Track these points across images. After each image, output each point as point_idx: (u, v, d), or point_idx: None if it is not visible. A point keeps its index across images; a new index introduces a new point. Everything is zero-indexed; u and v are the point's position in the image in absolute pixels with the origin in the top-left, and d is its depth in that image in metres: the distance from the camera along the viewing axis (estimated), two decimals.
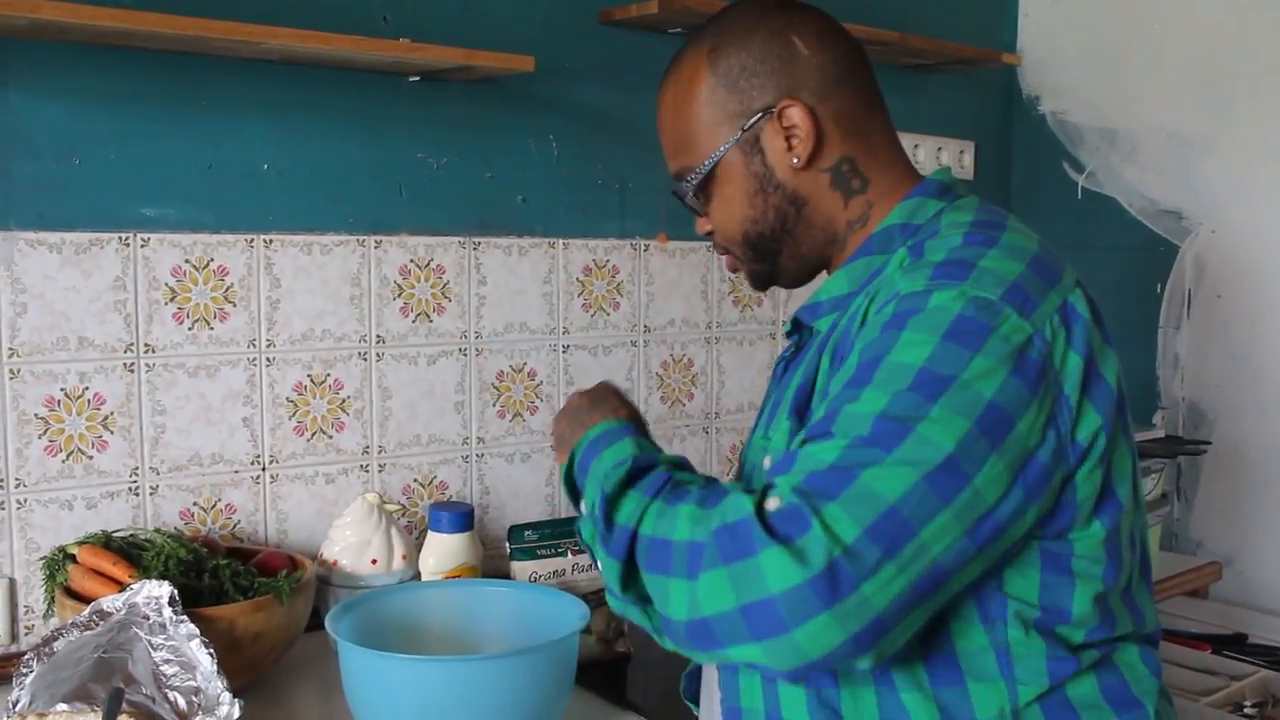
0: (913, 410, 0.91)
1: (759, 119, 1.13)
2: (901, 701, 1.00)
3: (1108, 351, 1.03)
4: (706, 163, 1.15)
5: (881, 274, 1.08)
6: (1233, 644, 2.23)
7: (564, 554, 1.72)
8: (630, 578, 1.00)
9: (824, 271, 1.22)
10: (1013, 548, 0.98)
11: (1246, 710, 1.95)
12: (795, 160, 1.13)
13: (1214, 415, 2.55)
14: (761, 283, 1.24)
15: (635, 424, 1.13)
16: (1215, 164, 2.53)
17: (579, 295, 2.16)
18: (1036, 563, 1.00)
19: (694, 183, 1.17)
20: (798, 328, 1.19)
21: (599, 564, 1.04)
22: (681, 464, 1.07)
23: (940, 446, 0.90)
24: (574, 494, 1.12)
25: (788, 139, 1.13)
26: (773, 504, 0.90)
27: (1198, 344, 2.57)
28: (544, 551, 1.71)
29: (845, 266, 1.14)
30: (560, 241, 2.13)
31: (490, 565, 2.02)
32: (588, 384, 2.14)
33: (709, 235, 1.23)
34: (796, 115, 1.11)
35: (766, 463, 1.08)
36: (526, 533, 1.73)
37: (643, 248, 2.24)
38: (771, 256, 1.19)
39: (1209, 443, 2.51)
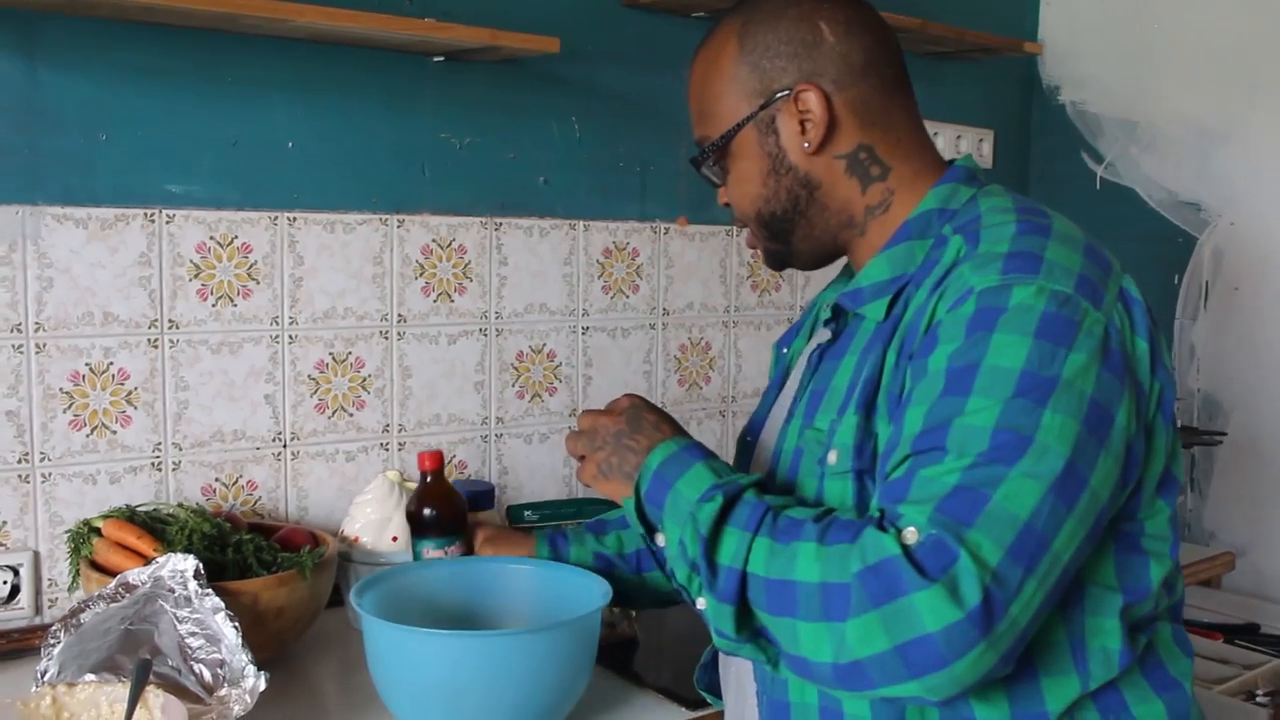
0: (1026, 419, 0.92)
1: (777, 100, 1.13)
2: (969, 696, 0.99)
3: (1160, 335, 1.05)
4: (722, 136, 1.16)
5: (938, 263, 1.07)
6: (1245, 633, 2.23)
7: None
8: (745, 620, 0.98)
9: (843, 256, 1.22)
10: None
11: (1259, 699, 1.96)
12: (807, 145, 1.13)
13: (1230, 406, 2.55)
14: (777, 262, 1.24)
15: (690, 441, 1.12)
16: (1234, 156, 2.52)
17: (599, 277, 2.17)
18: (1111, 547, 1.02)
19: (709, 154, 1.18)
20: (837, 314, 1.17)
21: (698, 605, 1.02)
22: (762, 484, 1.06)
23: (1060, 454, 0.91)
24: (647, 527, 1.10)
25: (801, 123, 1.13)
26: (911, 536, 0.90)
27: (1214, 336, 2.57)
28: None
29: (885, 251, 1.13)
30: (581, 223, 2.13)
31: None
32: (606, 366, 2.18)
33: (728, 207, 1.24)
34: (811, 101, 1.12)
35: (832, 458, 1.07)
36: (526, 513, 1.74)
37: (663, 230, 2.25)
38: (784, 236, 1.19)
39: (1224, 434, 2.52)
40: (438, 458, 1.63)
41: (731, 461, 1.29)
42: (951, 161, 1.18)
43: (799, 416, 1.15)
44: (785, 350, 1.35)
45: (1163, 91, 2.63)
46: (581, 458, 1.20)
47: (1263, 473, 2.50)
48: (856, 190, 1.15)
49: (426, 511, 1.62)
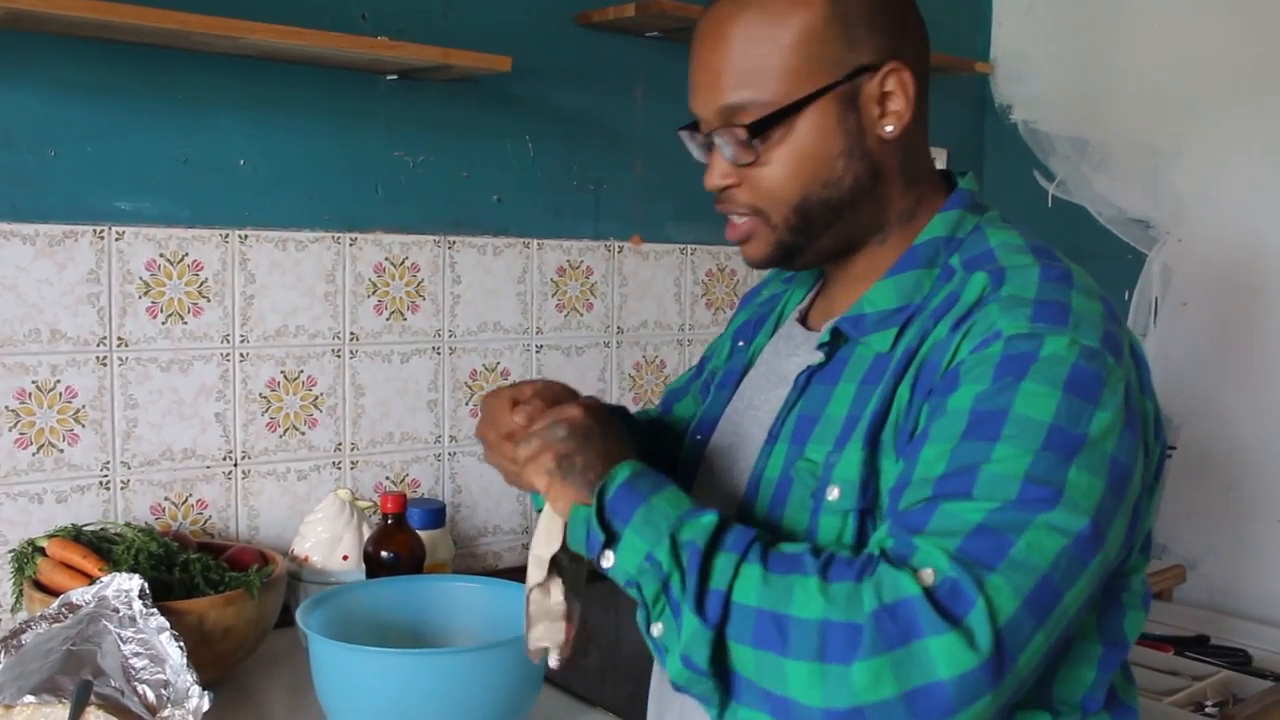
0: (1055, 473, 0.89)
1: (862, 74, 1.02)
2: None
3: (1153, 389, 1.04)
4: (794, 103, 1.01)
5: (958, 300, 1.01)
6: (1195, 645, 2.26)
7: None
8: (719, 650, 0.89)
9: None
10: None
11: (1208, 710, 1.98)
12: (889, 129, 1.03)
13: (1180, 421, 2.58)
14: (779, 256, 1.09)
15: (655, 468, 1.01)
16: (1183, 173, 2.56)
17: (553, 295, 2.17)
18: (1098, 601, 1.01)
19: (767, 125, 1.02)
20: (835, 339, 1.08)
21: (653, 631, 0.92)
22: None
23: (1086, 512, 0.88)
24: (598, 540, 0.97)
25: (881, 105, 1.03)
26: (928, 577, 0.85)
27: (1164, 351, 2.60)
28: None
29: (892, 278, 1.06)
30: (535, 242, 2.14)
31: (461, 563, 2.03)
32: None
33: (724, 189, 1.07)
34: (902, 81, 1.03)
35: (834, 493, 1.00)
36: None
37: (617, 249, 2.25)
38: (818, 229, 1.06)
39: (1174, 448, 2.55)
40: (400, 501, 1.63)
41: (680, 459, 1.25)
42: (953, 180, 1.13)
43: (784, 441, 1.07)
44: (743, 344, 1.26)
45: (1112, 111, 2.67)
46: (509, 436, 1.07)
47: (1213, 486, 2.53)
48: (899, 190, 1.08)
49: (384, 554, 1.62)
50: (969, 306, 0.99)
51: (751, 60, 1.02)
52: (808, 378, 1.09)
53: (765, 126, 1.02)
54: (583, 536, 0.98)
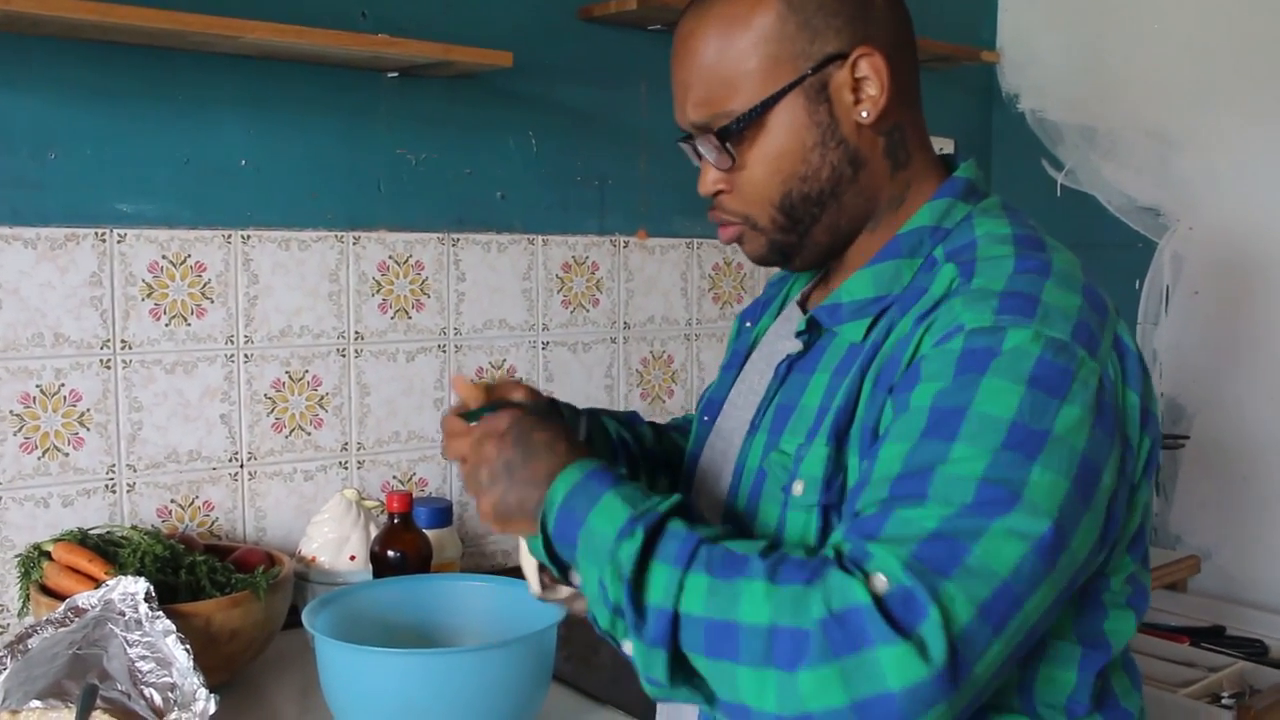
0: (1014, 473, 0.86)
1: (830, 64, 1.02)
2: None
3: (1150, 386, 1.00)
4: (762, 103, 1.02)
5: (926, 292, 1.00)
6: (1211, 636, 2.24)
7: None
8: (678, 664, 0.88)
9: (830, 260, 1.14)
10: None
11: (1224, 701, 1.96)
12: (864, 115, 1.02)
13: (1193, 410, 2.56)
14: (777, 257, 1.10)
15: (593, 462, 0.99)
16: (1193, 161, 2.54)
17: (558, 292, 2.16)
18: (1075, 600, 0.98)
19: (735, 130, 1.03)
20: (812, 328, 1.08)
21: (624, 649, 0.92)
22: (686, 505, 0.95)
23: (1048, 514, 0.85)
24: (559, 566, 0.99)
25: (855, 91, 1.02)
26: (880, 584, 0.82)
27: (1176, 340, 2.58)
28: None
29: (871, 267, 1.05)
30: (539, 238, 2.13)
31: (470, 561, 2.03)
32: (567, 381, 2.17)
33: (715, 195, 1.09)
34: (874, 66, 1.01)
35: (798, 488, 1.00)
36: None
37: (622, 244, 2.24)
38: (806, 225, 1.06)
39: (1187, 437, 2.53)
40: (406, 500, 1.63)
41: (690, 440, 1.25)
42: (951, 165, 1.11)
43: (763, 432, 1.08)
44: (749, 325, 1.26)
45: (1121, 98, 2.65)
46: (463, 459, 1.06)
47: (1227, 475, 2.51)
48: (886, 175, 1.06)
49: (390, 554, 1.61)
50: (935, 300, 0.97)
51: (719, 70, 1.03)
52: (788, 367, 1.09)
53: (735, 129, 1.03)
54: (547, 563, 0.99)
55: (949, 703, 0.81)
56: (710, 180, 1.08)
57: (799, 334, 1.09)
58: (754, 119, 1.02)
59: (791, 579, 0.85)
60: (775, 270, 1.32)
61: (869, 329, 1.02)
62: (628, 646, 0.91)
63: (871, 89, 1.02)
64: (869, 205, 1.07)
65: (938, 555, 0.83)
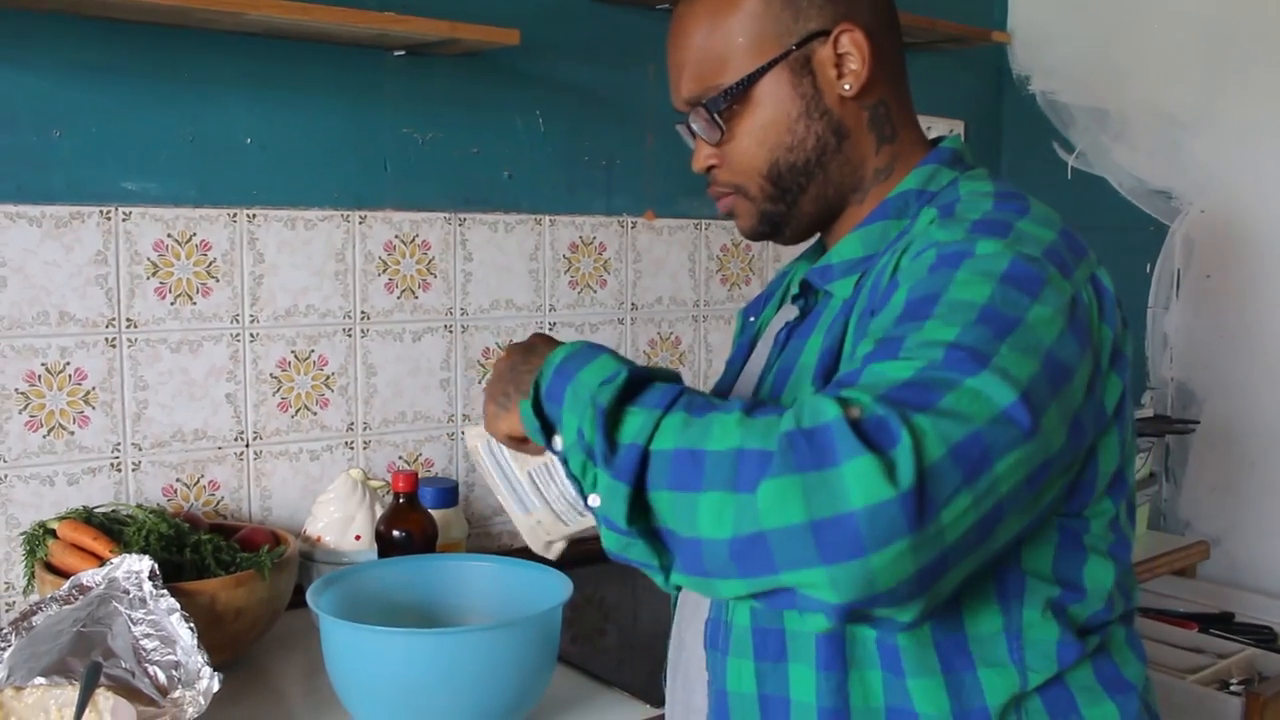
0: (984, 345, 0.85)
1: (813, 40, 1.07)
2: (908, 687, 0.98)
3: (1127, 334, 1.02)
4: (748, 77, 1.07)
5: (908, 233, 1.04)
6: (1220, 623, 2.23)
7: None
8: (639, 509, 0.87)
9: (819, 233, 1.18)
10: (1033, 523, 0.96)
11: (1233, 688, 1.96)
12: (847, 87, 1.07)
13: (1203, 395, 2.54)
14: (769, 227, 1.14)
15: (598, 344, 1.01)
16: (1205, 144, 2.52)
17: (566, 272, 2.15)
18: (1054, 539, 0.99)
19: (724, 102, 1.08)
20: (805, 292, 1.13)
21: (590, 501, 0.91)
22: (679, 378, 0.96)
23: (1016, 383, 0.84)
24: (546, 429, 0.98)
25: (838, 66, 1.07)
26: (855, 410, 0.81)
27: (1186, 324, 2.57)
28: None
29: (859, 230, 1.10)
30: (547, 218, 2.12)
31: (475, 542, 2.02)
32: None
33: (708, 170, 1.13)
34: (855, 41, 1.06)
35: None
36: None
37: (630, 225, 2.23)
38: (794, 195, 1.11)
39: (1197, 422, 2.51)
40: (411, 480, 1.62)
41: None
42: (938, 141, 1.15)
43: (764, 396, 1.10)
44: (753, 319, 1.30)
45: (1132, 80, 2.63)
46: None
47: (1237, 461, 2.50)
48: (872, 148, 1.11)
49: (396, 533, 1.61)
50: (915, 236, 1.02)
51: (709, 49, 1.09)
52: (787, 334, 1.13)
53: (723, 102, 1.08)
54: (532, 430, 0.97)
55: (912, 541, 0.77)
56: (703, 156, 1.13)
57: (794, 299, 1.14)
58: (741, 92, 1.08)
59: (767, 412, 0.84)
60: (784, 256, 1.32)
61: (858, 283, 1.06)
62: (594, 499, 0.90)
63: (854, 63, 1.07)
64: (855, 177, 1.11)
65: (912, 396, 0.82)
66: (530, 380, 0.99)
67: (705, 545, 0.83)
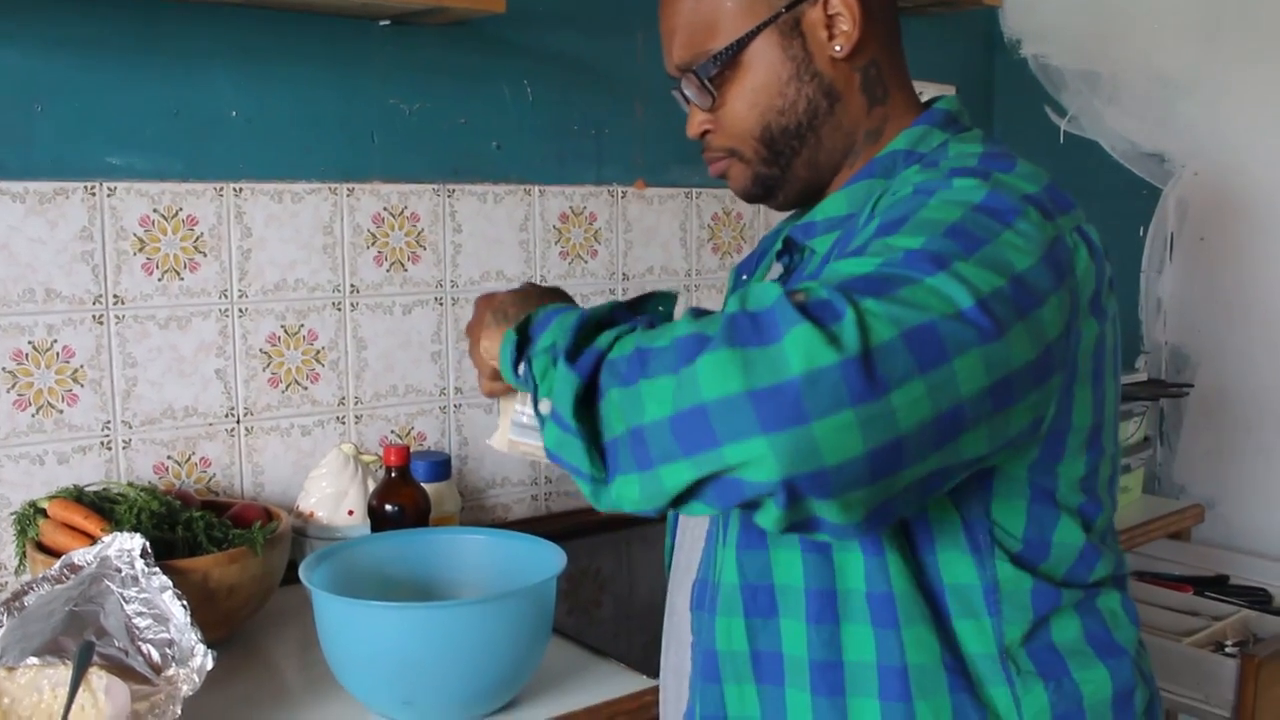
0: (948, 254, 0.85)
1: (803, 2, 1.07)
2: (901, 638, 0.98)
3: (1112, 294, 1.02)
4: (737, 41, 1.07)
5: (889, 190, 1.04)
6: (1214, 585, 2.24)
7: None
8: (585, 407, 0.88)
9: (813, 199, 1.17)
10: (1003, 480, 0.97)
11: (1228, 650, 1.96)
12: (838, 49, 1.07)
13: (1197, 359, 2.54)
14: (762, 189, 1.14)
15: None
16: (1198, 106, 2.50)
17: (556, 243, 2.13)
18: (1025, 494, 0.99)
19: (715, 66, 1.07)
20: (789, 248, 1.14)
21: (541, 408, 0.92)
22: (675, 298, 1.02)
23: (975, 292, 0.82)
24: (520, 352, 0.98)
25: (829, 28, 1.07)
26: (800, 296, 0.80)
27: (1181, 287, 2.56)
28: None
29: (845, 188, 1.09)
30: (536, 188, 2.10)
31: (470, 515, 2.02)
32: None
33: (703, 136, 1.14)
34: (845, 3, 1.06)
35: None
36: None
37: (620, 194, 2.21)
38: (787, 158, 1.11)
39: (1191, 386, 2.51)
40: (403, 454, 1.61)
41: None
42: (931, 102, 1.14)
43: None
44: (745, 277, 1.28)
45: (1124, 43, 2.61)
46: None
47: (1231, 424, 2.50)
48: (864, 110, 1.10)
49: (389, 508, 1.60)
50: (898, 181, 1.03)
51: (700, 14, 1.09)
52: None
53: (714, 67, 1.08)
54: (507, 356, 0.98)
55: (858, 414, 0.75)
56: (697, 121, 1.13)
57: (779, 255, 1.15)
58: (732, 56, 1.08)
59: (723, 312, 0.85)
60: (775, 223, 1.31)
61: (837, 240, 1.06)
62: (545, 405, 0.91)
63: (844, 24, 1.07)
64: (847, 139, 1.11)
65: (865, 286, 0.82)
66: (521, 315, 1.01)
67: (649, 430, 0.82)
